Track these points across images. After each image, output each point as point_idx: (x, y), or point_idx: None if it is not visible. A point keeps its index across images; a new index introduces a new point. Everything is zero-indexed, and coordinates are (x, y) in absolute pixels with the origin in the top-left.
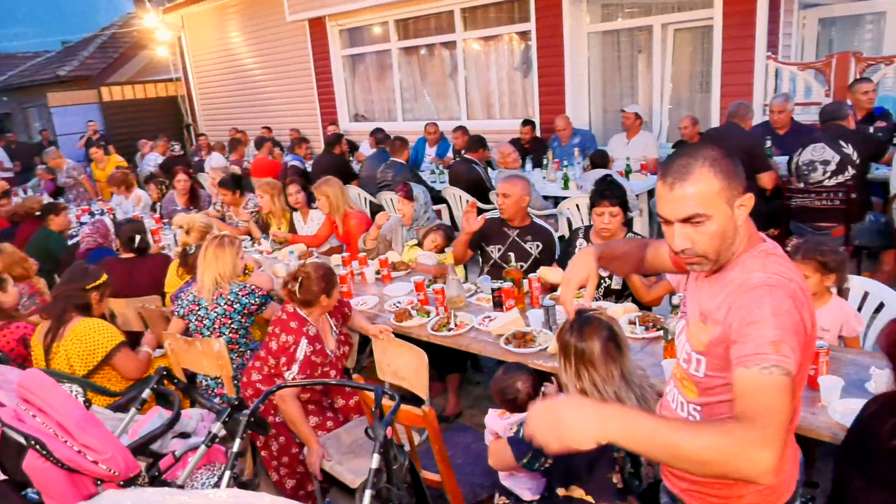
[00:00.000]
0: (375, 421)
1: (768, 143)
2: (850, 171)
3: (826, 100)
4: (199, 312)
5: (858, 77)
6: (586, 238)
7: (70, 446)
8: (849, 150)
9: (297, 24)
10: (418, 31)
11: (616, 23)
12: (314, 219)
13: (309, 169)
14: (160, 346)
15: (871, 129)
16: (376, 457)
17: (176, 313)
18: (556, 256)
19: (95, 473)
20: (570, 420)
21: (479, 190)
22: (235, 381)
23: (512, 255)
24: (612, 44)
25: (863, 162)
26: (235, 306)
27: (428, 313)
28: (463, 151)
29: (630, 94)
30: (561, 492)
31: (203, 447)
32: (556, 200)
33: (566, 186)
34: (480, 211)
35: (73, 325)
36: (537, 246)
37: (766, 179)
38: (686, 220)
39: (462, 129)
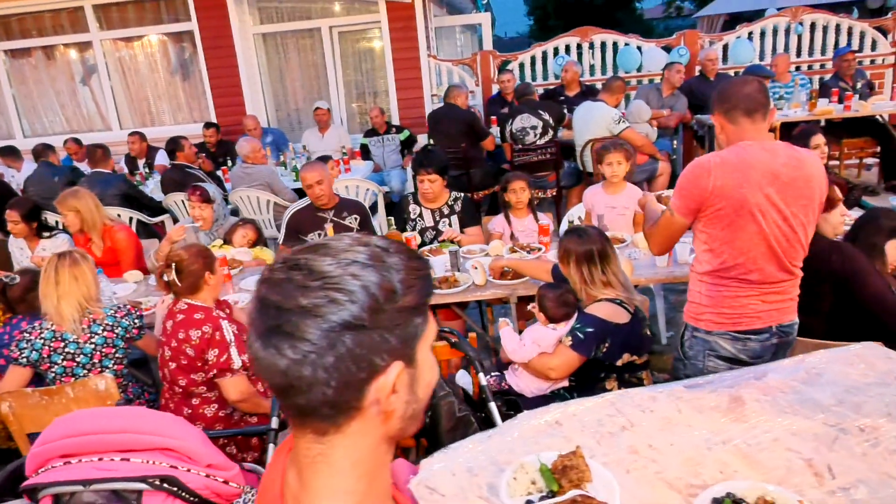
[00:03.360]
0: (472, 347)
1: None
2: (551, 132)
3: (477, 89)
4: (66, 350)
5: (498, 69)
6: (416, 202)
7: (197, 473)
8: (546, 116)
9: None
10: (29, 31)
11: (284, 24)
12: (48, 249)
13: None
14: None
15: None
16: (482, 376)
17: (18, 361)
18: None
19: (228, 496)
20: None
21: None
22: None
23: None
24: (279, 45)
25: (555, 124)
26: (117, 331)
27: None
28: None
29: (305, 93)
30: (618, 362)
31: (272, 446)
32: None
33: (297, 179)
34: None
35: None
36: (355, 218)
37: (488, 143)
38: None
39: (139, 134)
